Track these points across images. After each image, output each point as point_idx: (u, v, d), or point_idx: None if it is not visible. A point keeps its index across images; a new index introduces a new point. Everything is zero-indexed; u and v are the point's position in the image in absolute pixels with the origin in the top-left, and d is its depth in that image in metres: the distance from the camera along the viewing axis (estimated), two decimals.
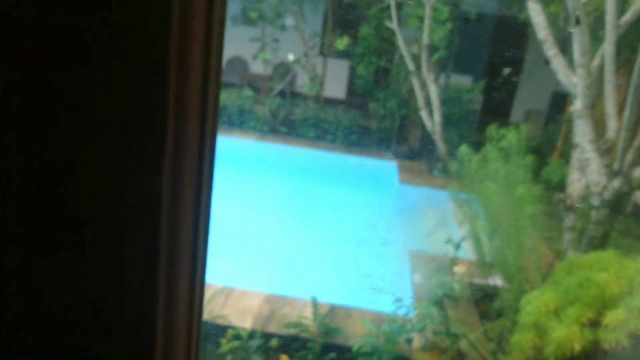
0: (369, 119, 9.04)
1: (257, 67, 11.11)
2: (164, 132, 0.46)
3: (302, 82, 9.69)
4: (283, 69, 9.59)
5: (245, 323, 3.33)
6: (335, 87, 11.43)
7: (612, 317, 2.34)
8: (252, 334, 3.12)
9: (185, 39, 0.46)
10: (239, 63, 11.77)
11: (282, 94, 9.44)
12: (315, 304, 3.30)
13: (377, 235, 5.90)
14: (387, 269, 5.00)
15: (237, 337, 3.08)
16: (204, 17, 0.48)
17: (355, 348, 2.87)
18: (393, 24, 8.08)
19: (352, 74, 10.05)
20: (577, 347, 2.31)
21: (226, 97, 9.00)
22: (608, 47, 3.50)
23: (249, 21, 10.33)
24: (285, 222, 5.87)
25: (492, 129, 3.75)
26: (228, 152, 8.00)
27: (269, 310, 3.52)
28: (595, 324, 2.41)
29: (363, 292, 4.45)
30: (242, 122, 9.01)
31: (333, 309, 3.41)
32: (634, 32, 6.00)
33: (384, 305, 3.41)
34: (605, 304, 2.46)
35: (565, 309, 2.50)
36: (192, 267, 0.57)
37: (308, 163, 8.21)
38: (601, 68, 3.80)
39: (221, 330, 3.18)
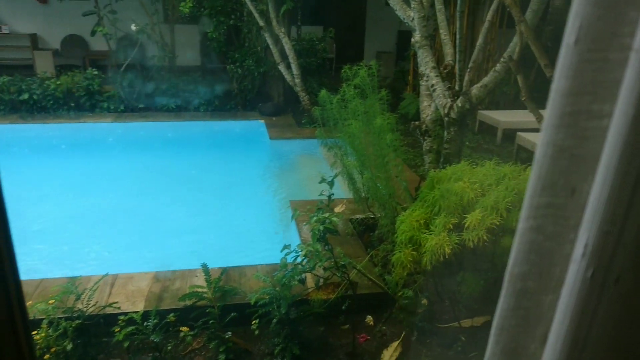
0: (229, 82, 8.87)
1: (98, 44, 10.24)
2: None
3: (152, 53, 9.14)
4: (128, 42, 8.94)
5: (137, 306, 3.21)
6: (188, 53, 10.96)
7: (471, 218, 2.63)
8: (146, 315, 3.01)
9: None
10: (77, 41, 10.76)
11: (131, 68, 8.84)
12: (206, 270, 3.26)
13: (256, 193, 5.94)
14: (272, 222, 5.08)
15: (130, 322, 2.96)
16: None
17: (253, 301, 2.92)
18: None
19: (203, 38, 9.71)
20: (448, 250, 2.58)
21: (69, 80, 8.21)
22: None
23: None
24: (161, 198, 5.65)
25: (346, 70, 3.89)
26: (83, 140, 7.39)
27: (160, 288, 3.41)
28: (459, 227, 2.71)
29: (252, 248, 4.51)
30: (93, 105, 8.32)
31: (225, 271, 3.40)
32: None
33: (276, 257, 3.49)
34: (465, 208, 2.76)
35: (433, 220, 2.77)
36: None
37: (174, 135, 7.89)
38: (432, 0, 4.09)
39: (112, 319, 3.02)
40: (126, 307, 3.19)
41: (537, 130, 6.72)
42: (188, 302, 3.16)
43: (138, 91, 8.51)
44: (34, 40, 10.48)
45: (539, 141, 0.54)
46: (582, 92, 0.49)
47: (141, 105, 8.51)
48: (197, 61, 11.38)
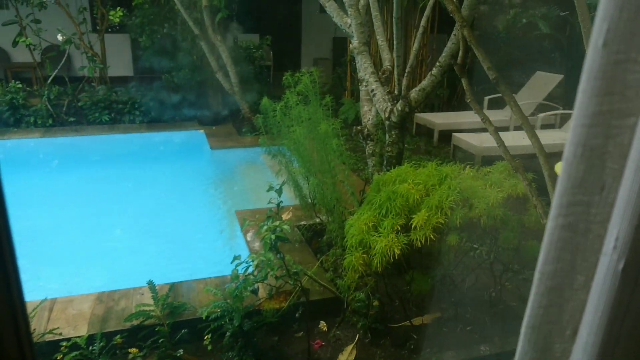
0: (165, 92, 8.64)
1: (22, 55, 9.69)
2: None
3: (81, 64, 8.75)
4: (54, 53, 8.51)
5: (80, 330, 3.04)
6: (120, 63, 10.61)
7: (418, 218, 2.71)
8: (90, 339, 2.87)
9: None
10: None
11: (59, 80, 8.41)
12: (152, 287, 3.15)
13: (198, 204, 5.81)
14: (217, 233, 4.99)
15: (74, 347, 2.81)
16: None
17: (204, 316, 2.85)
18: None
19: (136, 47, 9.41)
20: (397, 251, 2.64)
21: None
22: None
23: None
24: (99, 215, 5.40)
25: (287, 77, 3.90)
26: (7, 157, 6.96)
27: (103, 310, 3.26)
28: (407, 228, 2.77)
29: (200, 261, 4.40)
30: (17, 120, 7.85)
31: (173, 286, 3.30)
32: None
33: (225, 268, 3.42)
34: (411, 209, 2.83)
35: (381, 223, 2.82)
36: (5, 285, 0.49)
37: (109, 149, 7.57)
38: (368, 7, 4.18)
39: (53, 346, 2.85)
40: (68, 332, 3.01)
41: (472, 130, 7.02)
42: (135, 322, 3.04)
43: (67, 104, 8.11)
44: None
45: (567, 141, 0.55)
46: (609, 92, 0.51)
47: (71, 119, 8.12)
48: (129, 71, 11.03)
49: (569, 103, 8.51)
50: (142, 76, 9.94)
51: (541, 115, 7.04)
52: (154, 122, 8.47)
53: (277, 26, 12.03)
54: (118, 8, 8.04)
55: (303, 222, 4.45)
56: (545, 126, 7.30)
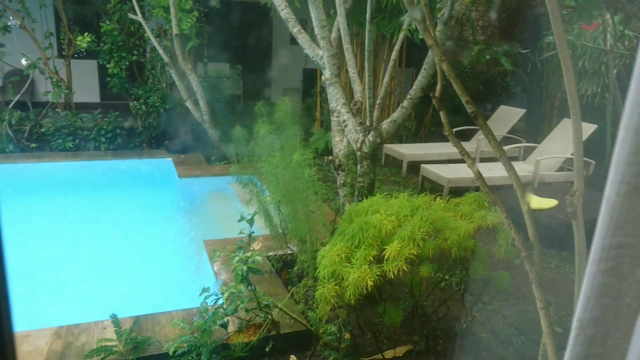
0: (132, 119, 8.51)
1: None
2: None
3: (45, 89, 8.55)
4: (18, 77, 8.30)
5: None
6: (87, 89, 10.42)
7: (390, 249, 2.70)
8: None
9: None
10: None
11: (21, 105, 8.18)
12: (115, 321, 3.02)
13: (165, 234, 5.66)
14: (185, 263, 4.86)
15: None
16: None
17: (171, 351, 2.73)
18: (137, 16, 7.68)
19: (103, 74, 9.28)
20: (370, 282, 2.61)
21: None
22: (340, 20, 3.93)
23: None
24: (60, 246, 5.19)
25: (259, 107, 3.89)
26: None
27: (62, 345, 3.09)
28: (379, 259, 2.75)
29: (166, 293, 4.25)
30: None
31: (138, 320, 3.17)
32: (357, 8, 6.89)
33: (193, 301, 3.32)
34: (384, 240, 2.82)
35: (354, 254, 2.79)
36: None
37: (72, 176, 7.33)
38: (340, 39, 4.25)
39: None
40: None
41: (440, 161, 7.15)
42: (96, 359, 2.89)
43: (29, 130, 7.88)
44: None
45: (608, 180, 0.52)
46: None
47: (33, 145, 7.88)
48: (96, 97, 10.85)
49: (531, 136, 8.81)
50: (109, 103, 9.78)
51: (506, 147, 7.24)
52: (121, 149, 8.30)
53: (248, 56, 12.12)
54: (86, 34, 7.94)
55: (273, 253, 4.38)
56: (510, 158, 7.49)
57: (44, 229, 5.62)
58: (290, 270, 4.10)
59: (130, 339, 2.96)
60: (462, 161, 3.13)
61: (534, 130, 9.25)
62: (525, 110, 8.39)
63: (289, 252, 4.23)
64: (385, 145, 8.16)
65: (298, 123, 4.10)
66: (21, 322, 3.59)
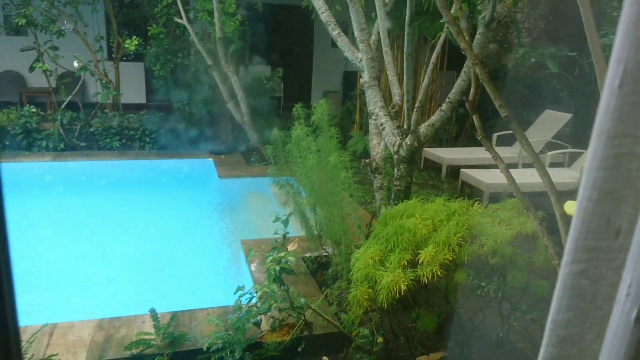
0: (176, 120, 8.75)
1: (37, 80, 9.90)
2: None
3: (95, 90, 8.91)
4: (70, 79, 8.68)
5: (78, 357, 2.99)
6: (134, 91, 10.80)
7: (425, 254, 2.67)
8: None
9: None
10: (13, 78, 10.34)
11: (73, 105, 8.55)
12: (154, 315, 3.11)
13: (204, 232, 5.79)
14: (222, 262, 4.95)
15: None
16: None
17: (205, 347, 2.79)
18: (183, 20, 7.90)
19: (150, 76, 9.58)
20: (403, 287, 2.59)
21: (4, 118, 7.83)
22: (380, 22, 3.92)
23: (17, 30, 9.10)
24: (106, 241, 5.39)
25: (298, 109, 3.93)
26: (19, 180, 7.01)
27: (103, 337, 3.21)
28: (413, 263, 2.73)
29: (203, 290, 4.35)
30: (30, 144, 7.96)
31: (175, 315, 3.26)
32: (399, 10, 6.85)
33: (229, 299, 3.38)
34: (418, 244, 2.80)
35: (388, 257, 2.78)
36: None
37: (118, 175, 7.61)
38: (379, 43, 4.24)
39: None
40: (66, 358, 2.97)
41: (480, 166, 7.01)
42: (135, 351, 2.99)
43: (79, 129, 8.22)
44: None
45: (581, 185, 0.53)
46: (625, 134, 0.50)
47: (83, 144, 8.22)
48: (142, 99, 11.21)
49: (577, 142, 8.51)
50: (155, 104, 10.09)
51: (550, 153, 7.03)
52: (164, 149, 8.55)
53: (289, 59, 12.24)
54: (134, 37, 8.22)
55: (308, 254, 4.41)
56: (554, 164, 7.28)
57: (90, 225, 5.85)
58: (325, 272, 4.11)
59: (167, 333, 3.04)
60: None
61: (580, 135, 8.93)
62: (571, 115, 8.11)
63: (324, 254, 4.24)
64: (424, 149, 8.07)
65: (335, 125, 4.12)
66: (68, 314, 3.76)
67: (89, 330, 3.27)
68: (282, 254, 2.56)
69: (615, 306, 0.53)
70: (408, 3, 3.42)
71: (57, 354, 2.94)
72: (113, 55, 8.99)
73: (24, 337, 2.92)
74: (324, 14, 4.44)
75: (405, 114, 3.86)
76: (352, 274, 2.86)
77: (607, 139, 0.51)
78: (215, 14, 7.45)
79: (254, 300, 2.85)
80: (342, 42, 4.39)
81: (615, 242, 0.53)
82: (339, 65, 11.89)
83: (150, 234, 5.68)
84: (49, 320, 3.29)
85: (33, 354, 2.90)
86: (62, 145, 8.08)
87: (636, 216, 0.51)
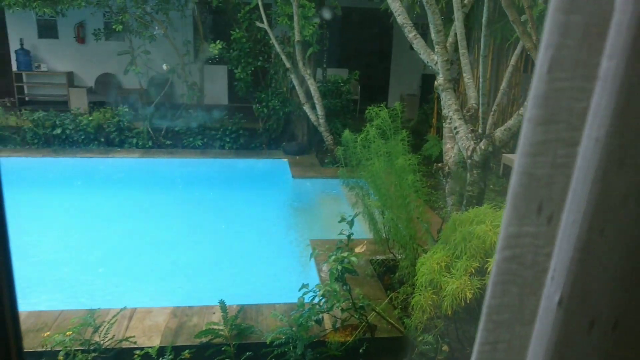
0: (254, 121, 9.04)
1: (130, 82, 10.63)
2: None
3: (181, 92, 9.43)
4: (159, 81, 9.25)
5: (153, 341, 3.19)
6: (216, 92, 11.28)
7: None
8: (161, 351, 2.99)
9: None
10: (110, 79, 11.18)
11: (161, 106, 9.11)
12: (223, 307, 3.24)
13: (277, 231, 5.94)
14: (291, 260, 5.05)
15: (146, 357, 2.94)
16: None
17: (269, 341, 2.87)
18: (264, 24, 8.15)
19: (231, 78, 9.98)
20: (469, 295, 2.52)
21: (100, 117, 8.50)
22: (457, 24, 3.83)
23: (114, 35, 9.83)
24: (184, 234, 5.69)
25: (370, 111, 3.94)
26: (111, 173, 7.57)
27: (177, 324, 3.40)
28: (481, 271, 2.64)
29: (271, 286, 4.47)
30: (122, 141, 8.58)
31: (242, 309, 3.38)
32: (478, 10, 6.64)
33: (295, 296, 3.45)
34: (487, 252, 2.70)
35: (454, 264, 2.71)
36: None
37: (199, 172, 8.01)
38: (456, 44, 4.14)
39: (128, 353, 3.01)
40: (142, 341, 3.17)
41: None
42: (204, 339, 3.13)
43: (166, 128, 8.73)
44: (70, 78, 10.93)
45: (513, 170, 0.54)
46: (554, 120, 0.50)
47: (168, 142, 8.72)
48: (224, 100, 11.68)
49: None
50: (235, 105, 10.48)
51: None
52: (243, 149, 8.86)
53: (366, 61, 12.23)
54: (217, 41, 8.60)
55: (377, 257, 4.39)
56: None
57: (171, 218, 6.20)
58: (392, 275, 4.08)
59: (235, 325, 3.16)
60: None
61: None
62: None
63: (392, 257, 4.21)
64: (504, 155, 7.74)
65: (411, 129, 4.07)
66: (147, 300, 4.01)
67: (164, 317, 3.47)
68: (344, 254, 2.57)
69: (544, 291, 0.53)
70: (485, 4, 3.32)
71: (134, 337, 3.15)
72: (198, 59, 9.46)
73: (106, 318, 3.16)
74: (400, 17, 4.41)
75: (481, 118, 3.74)
76: (417, 279, 2.82)
77: (536, 125, 0.51)
78: (295, 18, 7.62)
79: (317, 299, 2.89)
80: (418, 44, 4.33)
81: (547, 228, 0.53)
82: (417, 68, 11.70)
83: (225, 230, 5.92)
84: (129, 305, 3.53)
85: (114, 335, 3.12)
86: (149, 143, 8.62)
87: (566, 202, 0.51)
